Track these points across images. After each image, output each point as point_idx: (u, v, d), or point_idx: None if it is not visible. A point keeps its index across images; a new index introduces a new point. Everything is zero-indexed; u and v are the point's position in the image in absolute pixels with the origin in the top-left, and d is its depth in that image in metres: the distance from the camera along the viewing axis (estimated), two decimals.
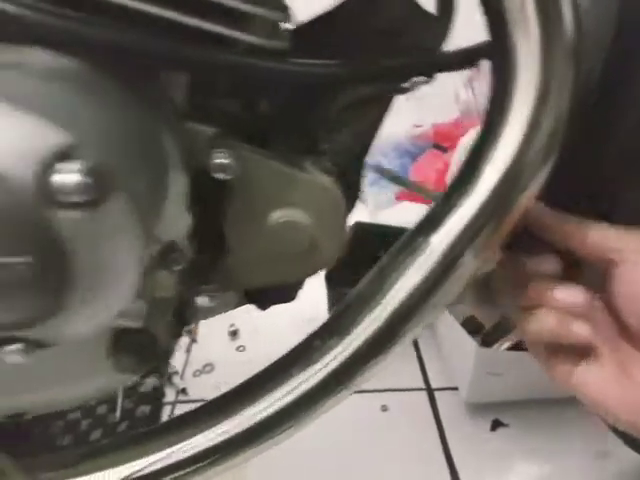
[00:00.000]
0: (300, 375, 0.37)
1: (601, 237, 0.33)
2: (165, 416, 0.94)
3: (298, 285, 0.43)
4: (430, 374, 0.95)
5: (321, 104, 0.33)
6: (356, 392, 0.38)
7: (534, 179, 0.32)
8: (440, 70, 0.32)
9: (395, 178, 0.96)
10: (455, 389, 0.91)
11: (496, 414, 0.87)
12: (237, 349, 1.01)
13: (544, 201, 0.34)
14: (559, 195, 0.33)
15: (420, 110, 1.10)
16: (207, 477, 0.39)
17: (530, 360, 0.86)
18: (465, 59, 0.32)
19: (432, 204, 0.37)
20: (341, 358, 0.37)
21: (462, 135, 1.03)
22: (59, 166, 0.20)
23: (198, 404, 0.98)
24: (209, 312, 0.41)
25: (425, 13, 0.33)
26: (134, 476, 0.38)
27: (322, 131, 0.34)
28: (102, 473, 0.37)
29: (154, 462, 0.39)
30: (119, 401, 0.94)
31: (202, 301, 0.37)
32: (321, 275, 0.94)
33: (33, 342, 0.24)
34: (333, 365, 0.37)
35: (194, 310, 0.37)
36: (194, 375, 0.98)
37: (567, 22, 0.27)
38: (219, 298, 0.38)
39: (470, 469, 0.79)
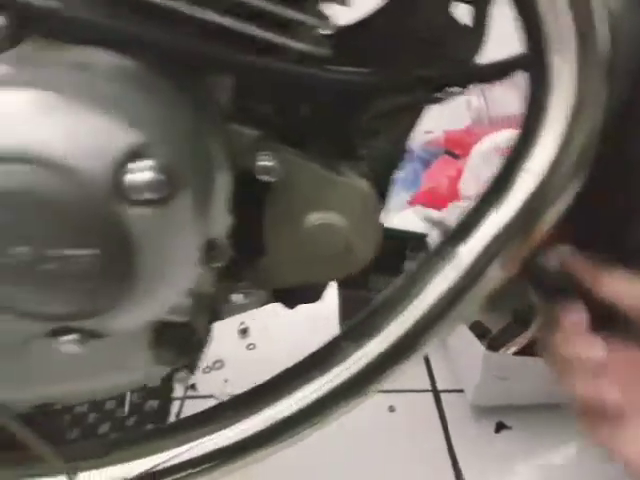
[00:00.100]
0: (326, 375, 0.38)
1: (632, 288, 0.32)
2: (174, 411, 0.94)
3: (325, 285, 0.44)
4: (437, 376, 0.96)
5: (358, 110, 0.35)
6: None
7: (564, 193, 0.33)
8: (475, 81, 0.33)
9: None
10: (461, 391, 0.92)
11: (500, 417, 0.88)
12: (247, 347, 1.03)
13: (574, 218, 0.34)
14: (590, 212, 0.34)
15: (431, 116, 1.11)
16: (227, 472, 0.41)
17: (535, 365, 0.87)
18: (500, 71, 0.33)
19: (459, 213, 0.38)
20: (368, 360, 0.38)
21: (473, 142, 1.04)
22: (132, 164, 0.22)
23: (207, 400, 0.98)
24: (240, 309, 0.43)
25: (461, 25, 0.34)
26: (160, 467, 0.40)
27: (360, 137, 0.35)
28: (130, 463, 0.38)
29: (178, 455, 0.40)
30: (127, 395, 0.94)
31: (236, 298, 0.38)
32: None
33: (89, 333, 0.26)
34: (360, 366, 0.38)
35: (228, 307, 0.38)
36: (204, 371, 0.99)
37: (603, 40, 0.29)
38: (252, 296, 0.39)
39: (474, 469, 0.81)
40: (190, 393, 0.97)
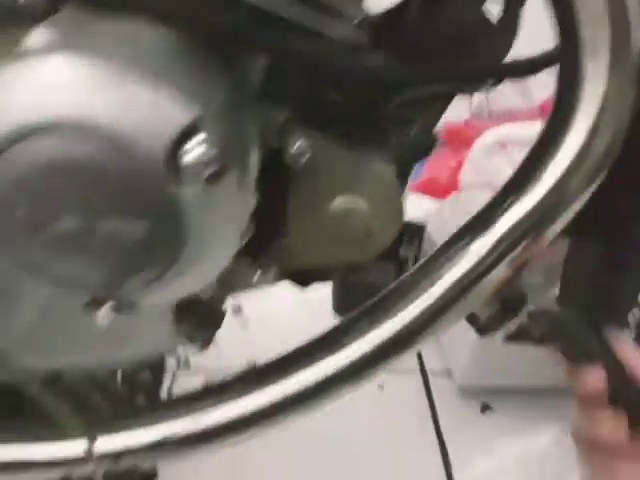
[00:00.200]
0: (341, 352, 0.40)
1: None
2: (166, 385, 0.95)
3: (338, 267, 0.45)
4: (425, 357, 0.99)
5: (388, 98, 0.35)
6: None
7: (582, 193, 0.34)
8: (505, 78, 0.34)
9: None
10: (448, 373, 0.95)
11: (486, 398, 0.91)
12: (240, 324, 1.04)
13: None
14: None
15: None
16: (244, 440, 0.42)
17: (521, 350, 0.90)
18: (530, 67, 0.34)
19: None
20: (381, 340, 0.39)
21: (473, 135, 1.05)
22: (187, 138, 0.22)
23: (199, 375, 0.99)
24: (254, 286, 0.43)
25: (492, 24, 0.34)
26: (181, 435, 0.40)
27: (390, 124, 0.35)
28: (146, 429, 0.39)
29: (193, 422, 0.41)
30: None
31: (257, 275, 0.38)
32: None
33: (126, 304, 0.26)
34: (373, 345, 0.39)
35: (243, 283, 0.39)
36: None
37: (636, 41, 0.29)
38: (268, 274, 0.40)
39: (459, 447, 0.84)
40: (183, 367, 0.98)
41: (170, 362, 0.97)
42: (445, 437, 0.85)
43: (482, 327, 0.94)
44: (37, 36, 0.24)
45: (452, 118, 1.24)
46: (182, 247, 0.24)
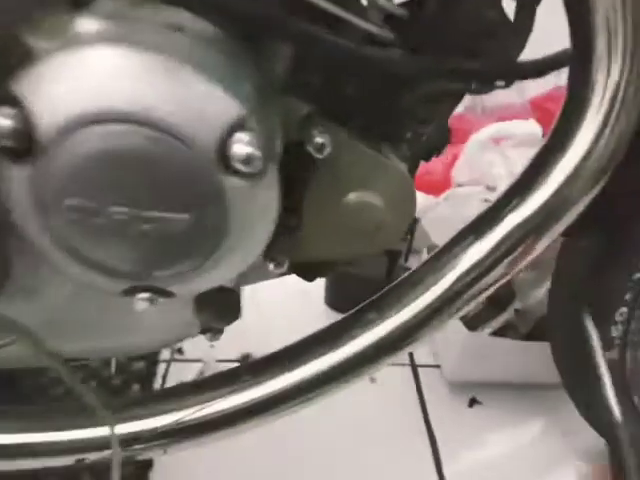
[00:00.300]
0: (352, 342, 0.41)
1: None
2: (160, 373, 0.95)
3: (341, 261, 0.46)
4: (416, 353, 1.01)
5: (405, 94, 0.36)
6: None
7: (587, 194, 0.35)
8: (519, 78, 0.35)
9: None
10: (438, 367, 0.97)
11: (474, 392, 0.93)
12: None
13: None
14: None
15: None
16: (252, 427, 0.43)
17: (508, 346, 0.92)
18: (543, 68, 0.35)
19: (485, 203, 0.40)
20: (389, 330, 0.41)
21: (467, 130, 1.07)
22: (235, 136, 0.22)
23: (193, 363, 0.99)
24: (263, 277, 0.44)
25: (510, 21, 0.35)
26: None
27: (407, 121, 0.36)
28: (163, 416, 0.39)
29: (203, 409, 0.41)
30: None
31: (270, 267, 0.39)
32: None
33: (162, 292, 0.26)
34: (382, 335, 0.40)
35: (260, 276, 0.40)
36: None
37: None
38: (281, 266, 0.40)
39: (448, 439, 0.86)
40: (177, 356, 0.98)
41: (164, 352, 0.97)
42: (435, 430, 0.87)
43: (470, 322, 0.96)
44: (88, 24, 0.24)
45: None
46: (223, 237, 0.24)
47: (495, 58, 0.35)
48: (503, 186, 0.39)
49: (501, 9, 0.34)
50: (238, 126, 0.23)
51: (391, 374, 0.96)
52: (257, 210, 0.25)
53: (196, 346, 0.97)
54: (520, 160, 0.97)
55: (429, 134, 0.37)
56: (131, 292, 0.27)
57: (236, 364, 0.47)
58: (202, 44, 0.25)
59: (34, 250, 0.26)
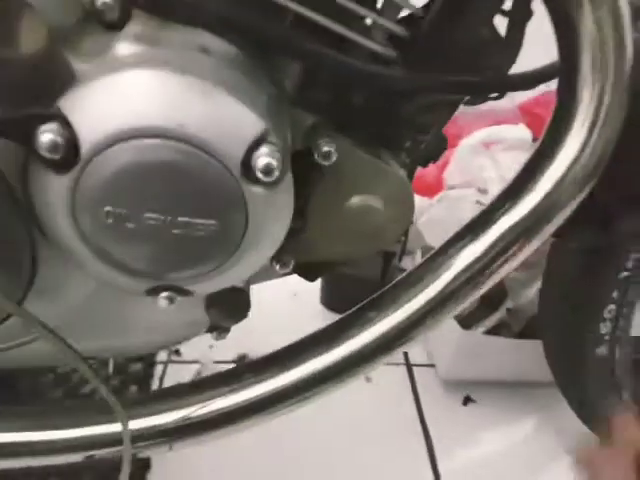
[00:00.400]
0: (352, 340, 0.42)
1: None
2: (157, 375, 0.97)
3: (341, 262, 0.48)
4: (410, 352, 1.03)
5: (404, 106, 0.38)
6: None
7: (575, 198, 0.38)
8: (511, 89, 0.37)
9: None
10: (432, 366, 0.99)
11: (467, 391, 0.95)
12: None
13: None
14: None
15: None
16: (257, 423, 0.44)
17: (501, 344, 0.94)
18: (533, 79, 0.37)
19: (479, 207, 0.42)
20: (389, 328, 0.42)
21: (458, 133, 1.09)
22: (259, 149, 0.24)
23: (190, 365, 1.00)
24: (267, 277, 0.46)
25: (501, 37, 0.38)
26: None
27: (407, 130, 0.38)
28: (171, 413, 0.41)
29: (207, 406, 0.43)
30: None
31: (276, 267, 0.41)
32: None
33: (182, 291, 0.28)
34: (382, 333, 0.42)
35: (266, 276, 0.41)
36: None
37: (630, 60, 0.33)
38: (286, 266, 0.42)
39: (443, 437, 0.88)
40: (174, 358, 0.99)
41: (161, 353, 0.98)
42: (430, 428, 0.89)
43: (463, 322, 0.98)
44: (123, 47, 0.26)
45: None
46: (243, 239, 0.26)
47: (488, 72, 0.37)
48: (494, 189, 0.41)
49: (493, 27, 0.37)
50: (261, 140, 0.25)
51: (386, 374, 0.97)
52: (274, 214, 0.27)
53: (193, 347, 0.98)
54: (510, 163, 0.99)
55: (427, 142, 0.39)
56: (153, 291, 0.29)
57: (233, 365, 0.49)
58: (226, 65, 0.28)
59: (60, 252, 0.28)
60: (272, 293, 0.98)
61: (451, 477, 0.81)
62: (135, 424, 0.38)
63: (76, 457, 0.42)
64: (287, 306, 1.10)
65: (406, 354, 1.02)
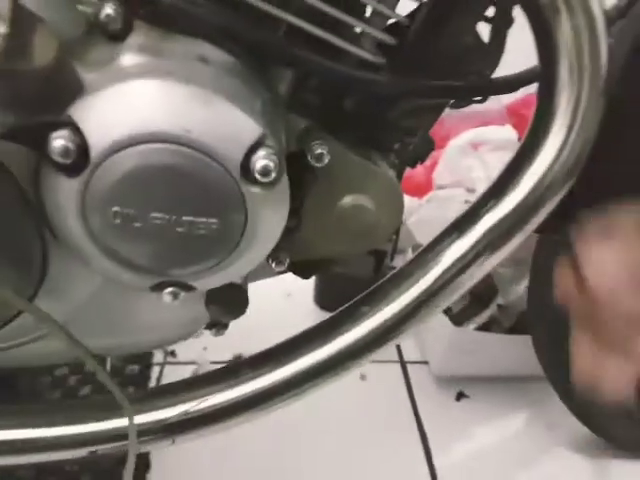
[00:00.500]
0: (345, 335, 0.44)
1: None
2: (154, 376, 0.98)
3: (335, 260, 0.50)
4: (404, 349, 1.05)
5: (392, 109, 0.40)
6: None
7: (556, 195, 0.40)
8: (493, 93, 0.39)
9: None
10: (425, 363, 1.01)
11: (461, 387, 0.97)
12: None
13: None
14: None
15: None
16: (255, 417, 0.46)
17: (493, 340, 0.96)
18: (514, 84, 0.39)
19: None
20: (382, 322, 0.44)
21: (445, 135, 1.12)
22: (257, 151, 0.26)
23: (186, 365, 1.01)
24: (263, 276, 0.47)
25: (484, 44, 0.40)
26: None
27: (395, 132, 0.40)
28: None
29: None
30: (108, 359, 0.96)
31: (272, 265, 0.43)
32: None
33: (185, 287, 0.30)
34: (375, 327, 0.44)
35: (262, 274, 0.43)
36: None
37: (605, 65, 0.35)
38: (282, 265, 0.44)
39: (437, 433, 0.89)
40: (170, 359, 1.00)
41: (157, 355, 0.99)
42: (424, 424, 0.90)
43: (455, 318, 1.00)
44: (128, 58, 0.28)
45: None
46: (242, 236, 0.28)
47: (472, 77, 0.39)
48: (482, 188, 0.43)
49: (476, 34, 0.39)
50: (259, 144, 0.27)
51: (381, 371, 0.99)
52: (271, 213, 0.29)
53: (189, 348, 0.99)
54: (497, 164, 1.02)
55: (415, 144, 0.41)
56: (158, 287, 0.31)
57: None
58: (225, 73, 0.30)
59: (68, 251, 0.29)
60: (267, 294, 1.00)
61: (446, 471, 0.83)
62: (139, 419, 0.40)
63: (80, 452, 0.43)
64: (281, 306, 1.11)
65: (400, 352, 1.04)
